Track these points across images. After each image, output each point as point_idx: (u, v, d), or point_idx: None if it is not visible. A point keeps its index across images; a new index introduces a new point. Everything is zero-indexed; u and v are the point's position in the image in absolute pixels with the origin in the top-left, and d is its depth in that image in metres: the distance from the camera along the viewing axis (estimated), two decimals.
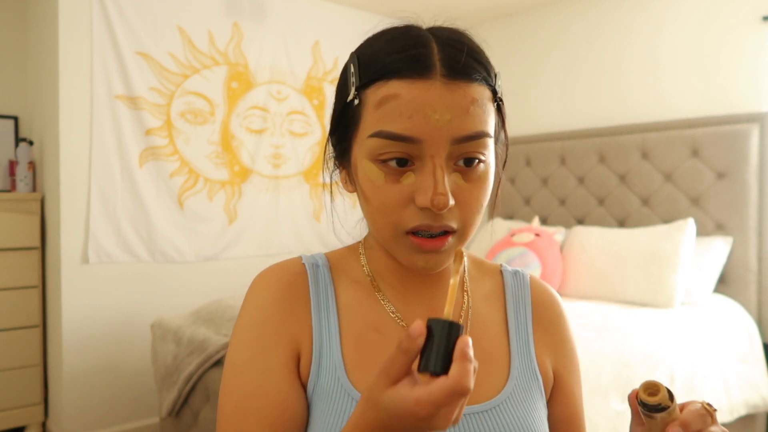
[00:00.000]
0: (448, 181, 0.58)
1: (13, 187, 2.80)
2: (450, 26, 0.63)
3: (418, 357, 0.47)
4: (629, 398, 0.58)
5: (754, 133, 2.51)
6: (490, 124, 0.61)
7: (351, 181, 0.67)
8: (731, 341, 2.35)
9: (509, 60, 3.50)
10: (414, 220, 0.59)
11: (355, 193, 0.68)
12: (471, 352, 0.46)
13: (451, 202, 0.58)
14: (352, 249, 0.75)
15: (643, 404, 0.55)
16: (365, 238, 0.75)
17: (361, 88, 0.61)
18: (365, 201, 0.63)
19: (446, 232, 0.60)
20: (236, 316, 2.17)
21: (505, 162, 0.70)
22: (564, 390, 0.74)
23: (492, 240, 3.05)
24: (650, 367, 2.00)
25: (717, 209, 2.59)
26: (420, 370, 0.47)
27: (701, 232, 2.61)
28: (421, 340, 0.46)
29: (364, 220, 0.68)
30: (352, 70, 0.62)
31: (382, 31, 0.63)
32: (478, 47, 0.62)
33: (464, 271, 0.75)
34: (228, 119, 3.02)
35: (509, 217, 3.45)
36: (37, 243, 2.66)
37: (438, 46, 0.59)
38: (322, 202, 3.39)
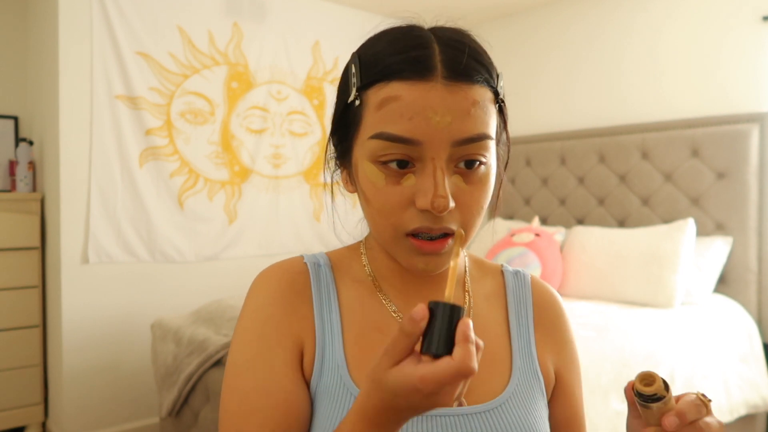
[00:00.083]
0: (448, 184, 0.58)
1: (13, 187, 2.80)
2: (452, 26, 0.63)
3: (420, 340, 0.48)
4: (625, 390, 0.59)
5: (754, 133, 2.51)
6: (492, 126, 0.61)
7: (352, 182, 0.67)
8: (731, 341, 2.35)
9: (509, 60, 3.50)
10: (414, 222, 0.59)
11: (355, 194, 0.67)
12: (473, 334, 0.47)
13: (452, 204, 0.57)
14: (353, 249, 0.75)
15: (639, 394, 0.56)
16: (366, 238, 0.75)
17: (362, 88, 0.61)
18: (365, 202, 0.63)
19: (446, 235, 0.60)
20: (236, 316, 2.18)
21: (506, 163, 0.70)
22: (565, 390, 0.74)
23: (492, 240, 3.05)
24: (650, 367, 2.00)
25: (717, 209, 2.59)
26: (423, 351, 0.48)
27: (701, 232, 2.62)
28: (423, 323, 0.47)
29: (365, 220, 0.68)
30: (354, 70, 0.62)
31: (383, 31, 0.63)
32: (480, 48, 0.62)
33: (465, 267, 0.75)
34: (228, 119, 3.02)
35: (509, 217, 3.45)
36: (37, 243, 2.66)
37: (439, 47, 0.59)
38: (322, 202, 3.39)
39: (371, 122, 0.60)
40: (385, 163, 0.59)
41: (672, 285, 2.36)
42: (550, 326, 0.75)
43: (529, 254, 2.68)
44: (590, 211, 3.04)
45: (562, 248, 2.79)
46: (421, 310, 0.47)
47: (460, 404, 0.65)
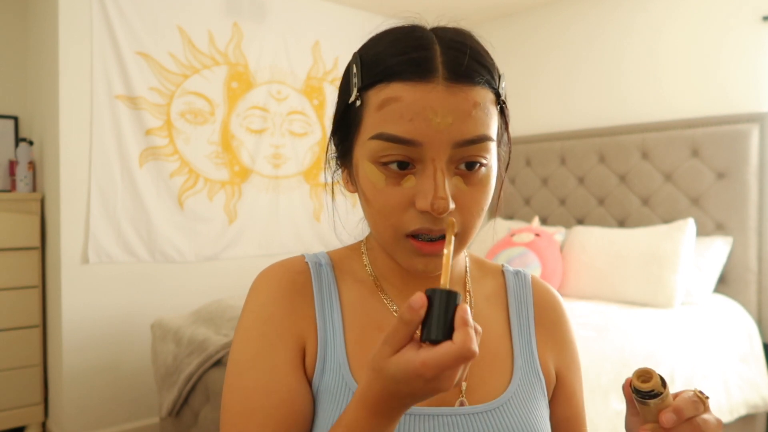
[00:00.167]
0: (448, 185, 0.58)
1: (13, 187, 2.80)
2: (454, 27, 0.63)
3: (419, 328, 0.49)
4: (623, 387, 0.59)
5: (754, 133, 2.51)
6: (493, 128, 0.61)
7: (352, 182, 0.67)
8: (731, 341, 2.35)
9: (509, 60, 3.50)
10: (414, 223, 0.59)
11: (356, 194, 0.67)
12: (471, 319, 0.47)
13: (452, 205, 0.57)
14: (354, 248, 0.75)
15: (637, 391, 0.56)
16: (367, 238, 0.75)
17: (363, 89, 0.61)
18: (366, 203, 0.63)
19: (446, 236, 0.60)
20: (236, 316, 2.18)
21: (507, 164, 0.70)
22: (566, 390, 0.74)
23: (493, 240, 3.05)
24: (650, 366, 2.00)
25: (717, 209, 2.59)
26: (422, 339, 0.48)
27: (701, 232, 2.62)
28: (422, 311, 0.47)
29: (365, 220, 0.68)
30: (355, 70, 0.62)
31: (385, 31, 0.63)
32: (482, 49, 0.62)
33: (466, 267, 0.75)
34: (228, 119, 3.02)
35: (509, 217, 3.45)
36: (37, 243, 2.66)
37: (441, 48, 0.58)
38: (322, 202, 3.39)
39: (372, 123, 0.59)
40: (385, 164, 0.59)
41: (672, 285, 2.36)
42: (550, 326, 0.75)
43: (529, 254, 2.68)
44: (590, 211, 3.04)
45: (562, 248, 2.79)
46: (419, 298, 0.47)
47: (462, 404, 0.65)
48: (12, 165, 2.80)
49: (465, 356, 0.45)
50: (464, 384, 0.66)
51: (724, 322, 2.38)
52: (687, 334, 2.21)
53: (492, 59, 0.62)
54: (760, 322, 2.53)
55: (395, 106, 0.57)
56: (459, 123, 0.57)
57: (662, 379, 0.55)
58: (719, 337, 2.31)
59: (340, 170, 0.70)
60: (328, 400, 0.63)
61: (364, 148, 0.61)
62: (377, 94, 0.59)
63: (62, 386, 2.58)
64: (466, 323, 0.47)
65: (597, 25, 3.12)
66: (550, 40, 3.34)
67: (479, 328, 0.48)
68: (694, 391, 0.56)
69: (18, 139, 2.88)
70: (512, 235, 2.87)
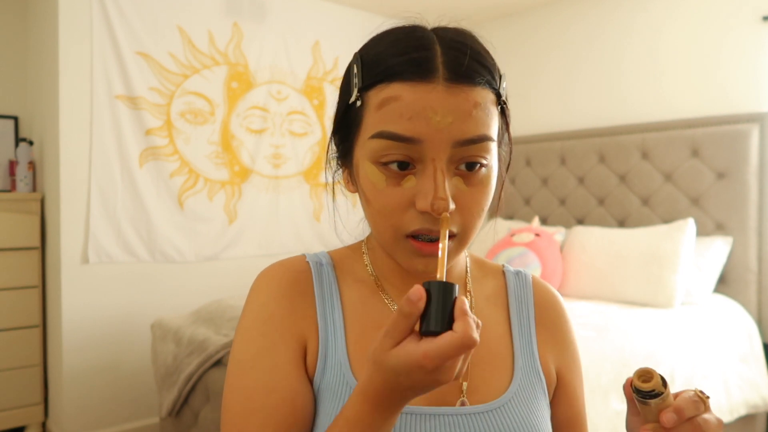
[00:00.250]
0: (448, 185, 0.58)
1: (13, 187, 2.80)
2: (455, 27, 0.63)
3: (418, 322, 0.49)
4: (624, 386, 0.59)
5: (754, 133, 2.51)
6: (493, 128, 0.61)
7: (353, 182, 0.67)
8: (731, 341, 2.35)
9: (509, 60, 3.50)
10: (414, 223, 0.59)
11: (356, 193, 0.68)
12: (470, 311, 0.48)
13: (452, 206, 0.57)
14: (355, 248, 0.75)
15: (637, 391, 0.56)
16: (368, 238, 0.75)
17: (364, 89, 0.61)
18: (366, 203, 0.63)
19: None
20: (236, 316, 2.18)
21: (508, 164, 0.70)
22: (567, 390, 0.74)
23: (493, 240, 3.05)
24: (650, 366, 2.00)
25: (717, 209, 2.59)
26: (422, 331, 0.49)
27: (701, 232, 2.62)
28: (421, 303, 0.48)
29: (366, 220, 0.68)
30: (355, 71, 0.62)
31: (386, 31, 0.63)
32: (483, 49, 0.62)
33: (467, 267, 0.75)
34: (228, 119, 3.02)
35: (509, 217, 3.45)
36: (37, 243, 2.66)
37: (441, 48, 0.58)
38: (322, 202, 3.39)
39: (372, 122, 0.60)
40: (385, 164, 0.59)
41: (672, 285, 2.36)
42: (551, 326, 0.75)
43: (529, 254, 2.68)
44: (590, 211, 3.05)
45: (562, 248, 2.79)
46: (417, 291, 0.47)
47: (463, 404, 0.65)
48: (12, 165, 2.80)
49: (467, 344, 0.46)
50: (465, 384, 0.66)
51: (724, 322, 2.38)
52: (687, 334, 2.21)
53: (493, 59, 0.62)
54: (760, 322, 2.53)
55: (395, 105, 0.57)
56: (459, 123, 0.57)
57: (663, 378, 0.55)
58: (719, 337, 2.31)
59: (340, 170, 0.70)
60: (329, 398, 0.63)
61: (364, 148, 0.61)
62: (377, 94, 0.59)
63: (62, 386, 2.58)
64: (465, 313, 0.47)
65: (597, 25, 3.12)
66: (550, 40, 3.34)
67: (479, 321, 0.49)
68: (694, 390, 0.56)
69: (18, 139, 2.88)
70: (512, 235, 2.87)
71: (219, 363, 1.99)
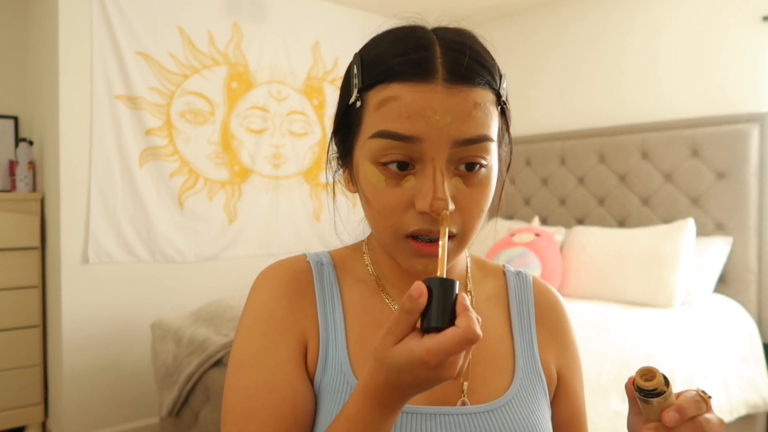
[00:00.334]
0: (448, 186, 0.58)
1: (13, 187, 2.80)
2: (455, 27, 0.63)
3: (420, 320, 0.49)
4: (626, 385, 0.59)
5: (754, 133, 2.51)
6: (493, 128, 0.61)
7: (353, 182, 0.67)
8: (731, 341, 2.35)
9: (509, 60, 3.50)
10: (414, 224, 0.59)
11: (356, 193, 0.68)
12: (470, 306, 0.48)
13: (451, 207, 0.57)
14: (355, 248, 0.75)
15: (639, 389, 0.56)
16: (368, 238, 0.75)
17: (364, 89, 0.61)
18: (366, 203, 0.63)
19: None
20: (236, 316, 2.18)
21: (509, 165, 0.70)
22: (567, 390, 0.74)
23: (494, 240, 3.05)
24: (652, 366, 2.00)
25: (717, 209, 2.59)
26: (424, 328, 0.49)
27: (701, 232, 2.62)
28: (423, 300, 0.48)
29: (366, 220, 0.68)
30: (355, 71, 0.62)
31: (386, 32, 0.63)
32: (483, 50, 0.62)
33: (467, 267, 0.75)
34: (228, 119, 3.02)
35: (509, 217, 3.45)
36: (37, 243, 2.66)
37: (441, 49, 0.58)
38: (322, 202, 3.39)
39: (371, 122, 0.60)
40: (385, 164, 0.59)
41: (672, 285, 2.36)
42: (552, 327, 0.75)
43: (529, 254, 2.68)
44: (590, 211, 3.05)
45: (562, 248, 2.79)
46: (418, 287, 0.48)
47: (464, 404, 0.65)
48: (12, 165, 2.80)
49: (470, 339, 0.46)
50: (466, 384, 0.66)
51: (724, 322, 2.38)
52: (687, 334, 2.21)
53: (493, 60, 0.62)
54: (760, 322, 2.53)
55: (394, 104, 0.57)
56: (458, 122, 0.57)
57: (665, 377, 0.55)
58: (719, 337, 2.31)
59: (341, 170, 0.70)
60: (330, 398, 0.63)
61: (364, 148, 0.61)
62: (377, 94, 0.59)
63: (62, 386, 2.58)
64: (467, 308, 0.48)
65: (597, 25, 3.12)
66: (550, 40, 3.34)
67: (479, 317, 0.49)
68: (696, 390, 0.56)
69: (18, 139, 2.88)
70: (512, 235, 2.87)
71: (219, 363, 1.99)
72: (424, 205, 0.57)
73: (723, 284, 2.59)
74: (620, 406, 1.85)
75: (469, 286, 0.74)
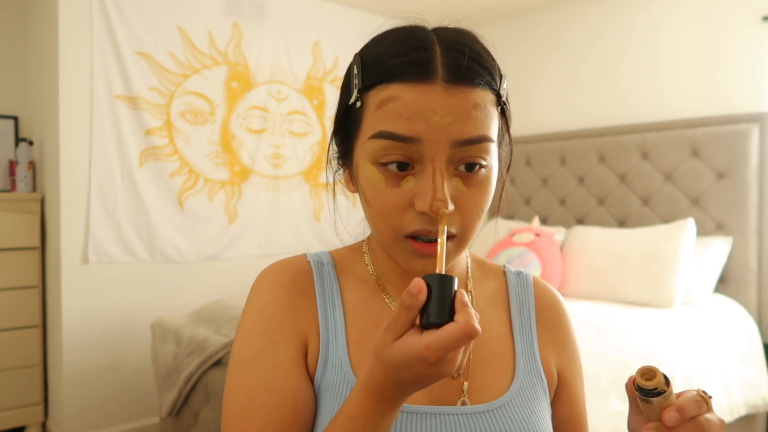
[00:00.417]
0: (447, 186, 0.58)
1: (13, 187, 2.80)
2: (456, 27, 0.63)
3: (419, 316, 0.49)
4: (626, 385, 0.59)
5: (754, 133, 2.51)
6: (493, 129, 0.61)
7: (353, 182, 0.67)
8: (731, 341, 2.35)
9: (509, 60, 3.50)
10: (413, 224, 0.59)
11: (356, 194, 0.68)
12: (469, 303, 0.49)
13: (451, 207, 0.57)
14: (355, 248, 0.76)
15: (640, 389, 0.56)
16: (368, 238, 0.75)
17: (364, 90, 0.61)
18: (366, 203, 0.63)
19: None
20: (236, 316, 2.18)
21: (509, 165, 0.70)
22: (568, 390, 0.74)
23: (494, 240, 3.05)
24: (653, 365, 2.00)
25: (717, 209, 2.59)
26: (423, 324, 0.49)
27: (701, 232, 2.62)
28: (422, 296, 0.48)
29: (366, 220, 0.68)
30: (356, 71, 0.62)
31: (386, 32, 0.63)
32: (483, 50, 0.62)
33: (468, 267, 0.75)
34: (228, 119, 3.02)
35: (509, 217, 3.45)
36: (37, 243, 2.66)
37: (441, 49, 0.58)
38: (322, 202, 3.39)
39: (371, 122, 0.60)
40: (385, 164, 0.59)
41: (672, 285, 2.36)
42: (552, 327, 0.75)
43: (529, 254, 2.68)
44: (590, 211, 3.05)
45: (562, 248, 2.79)
46: (417, 284, 0.48)
47: (464, 404, 0.65)
48: (12, 165, 2.80)
49: (469, 334, 0.46)
50: (466, 384, 0.66)
51: (724, 322, 2.38)
52: (687, 334, 2.21)
53: (493, 60, 0.62)
54: (760, 322, 2.53)
55: (394, 105, 0.57)
56: (458, 123, 0.57)
57: (666, 377, 0.55)
58: (719, 337, 2.31)
59: (341, 170, 0.70)
60: (330, 397, 0.63)
61: (364, 148, 0.61)
62: (377, 95, 0.59)
63: (62, 386, 2.58)
64: (466, 304, 0.48)
65: (597, 25, 3.12)
66: (550, 40, 3.34)
67: (477, 314, 0.49)
68: (697, 390, 0.56)
69: (18, 139, 2.88)
70: (512, 235, 2.87)
71: (219, 363, 1.99)
72: (424, 206, 0.57)
73: (723, 284, 2.59)
74: (620, 406, 1.85)
75: (470, 286, 0.74)
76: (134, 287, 2.75)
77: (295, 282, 0.68)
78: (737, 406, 2.29)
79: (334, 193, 0.74)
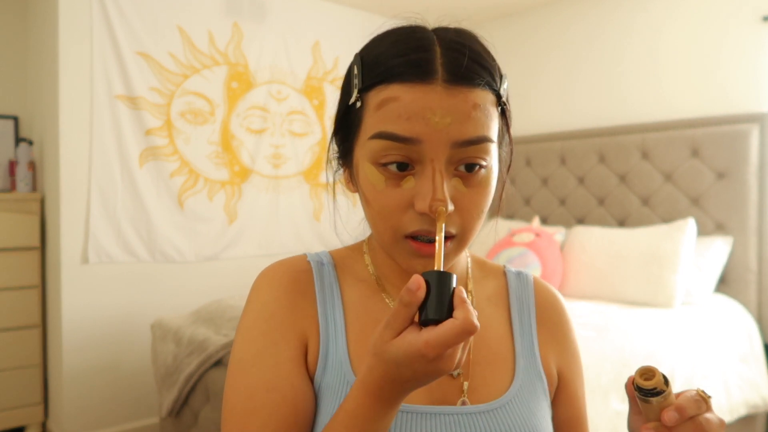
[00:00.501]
0: (447, 187, 0.58)
1: (13, 187, 2.80)
2: (456, 27, 0.63)
3: (418, 314, 0.50)
4: (626, 385, 0.59)
5: (754, 133, 2.51)
6: (493, 129, 0.61)
7: (353, 182, 0.67)
8: (731, 341, 2.35)
9: (509, 60, 3.50)
10: (413, 224, 0.59)
11: (357, 194, 0.68)
12: (468, 299, 0.49)
13: (450, 207, 0.57)
14: (355, 248, 0.76)
15: (639, 389, 0.56)
16: (369, 238, 0.75)
17: (364, 90, 0.61)
18: (366, 203, 0.63)
19: (445, 238, 0.60)
20: (236, 316, 2.18)
21: (509, 165, 0.70)
22: (568, 390, 0.74)
23: (494, 240, 3.05)
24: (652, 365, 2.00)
25: (717, 209, 2.59)
26: (422, 321, 0.49)
27: (701, 232, 2.62)
28: (421, 293, 0.48)
29: (366, 220, 0.68)
30: (356, 71, 0.62)
31: (386, 32, 0.63)
32: (483, 50, 0.61)
33: (468, 267, 0.75)
34: (228, 119, 3.02)
35: (509, 217, 3.45)
36: (37, 243, 2.66)
37: (441, 49, 0.58)
38: (322, 202, 3.39)
39: (371, 123, 0.60)
40: (385, 165, 0.59)
41: (672, 285, 2.36)
42: (552, 327, 0.75)
43: (529, 254, 2.68)
44: (590, 211, 3.05)
45: (562, 248, 2.79)
46: (416, 280, 0.48)
47: (464, 404, 0.65)
48: (12, 165, 2.80)
49: (468, 330, 0.46)
50: (466, 384, 0.66)
51: (724, 322, 2.38)
52: (687, 334, 2.21)
53: (494, 60, 0.62)
54: (760, 322, 2.53)
55: (394, 105, 0.57)
56: (458, 124, 0.57)
57: (665, 377, 0.55)
58: (719, 337, 2.31)
59: (341, 170, 0.70)
60: (330, 397, 0.63)
61: (364, 148, 0.61)
62: (377, 95, 0.59)
63: (62, 386, 2.58)
64: (464, 300, 0.48)
65: (597, 25, 3.12)
66: (550, 40, 3.34)
67: (476, 311, 0.49)
68: (696, 390, 0.56)
69: (18, 139, 2.88)
70: (512, 235, 2.87)
71: (219, 363, 1.99)
72: (423, 206, 0.57)
73: (723, 284, 2.59)
74: (620, 406, 1.85)
75: (470, 286, 0.74)
76: (134, 287, 2.75)
77: (295, 282, 0.68)
78: (737, 406, 2.29)
79: (334, 193, 0.74)
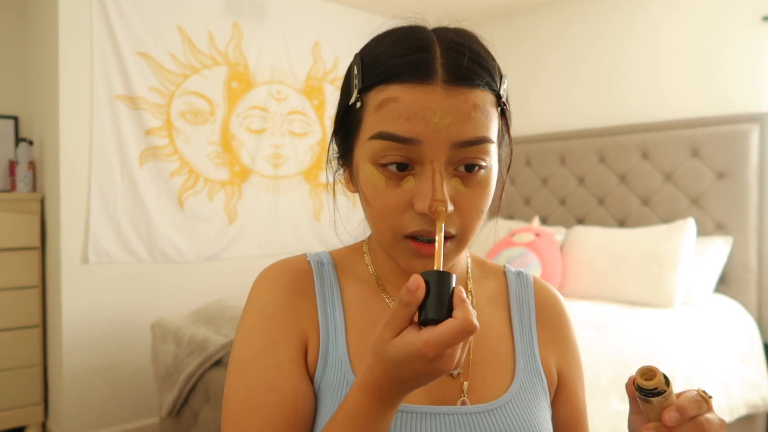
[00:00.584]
0: (447, 187, 0.58)
1: (13, 187, 2.80)
2: (456, 27, 0.63)
3: (417, 314, 0.50)
4: (626, 385, 0.59)
5: (754, 133, 2.51)
6: (492, 130, 0.61)
7: (353, 182, 0.67)
8: (731, 341, 2.35)
9: (509, 60, 3.50)
10: (413, 225, 0.59)
11: (357, 194, 0.68)
12: (467, 299, 0.49)
13: (450, 208, 0.57)
14: (356, 248, 0.76)
15: (640, 389, 0.56)
16: (369, 238, 0.75)
17: (364, 90, 0.61)
18: (366, 203, 0.63)
19: (445, 238, 0.60)
20: (236, 316, 2.18)
21: (509, 165, 0.70)
22: (568, 390, 0.74)
23: (494, 240, 3.05)
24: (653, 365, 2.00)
25: (717, 209, 2.59)
26: (421, 320, 0.49)
27: (701, 232, 2.62)
28: (420, 293, 0.48)
29: (366, 220, 0.68)
30: (356, 72, 0.62)
31: (386, 32, 0.63)
32: (483, 50, 0.61)
33: (468, 267, 0.75)
34: (228, 119, 3.02)
35: (509, 217, 3.45)
36: (37, 243, 2.66)
37: (441, 50, 0.58)
38: (322, 202, 3.39)
39: (371, 123, 0.60)
40: (385, 165, 0.59)
41: (672, 285, 2.36)
42: (552, 327, 0.75)
43: (529, 254, 2.68)
44: (590, 211, 3.05)
45: (562, 248, 2.79)
46: (416, 280, 0.48)
47: (464, 404, 0.65)
48: (12, 165, 2.80)
49: (467, 330, 0.46)
50: (466, 384, 0.66)
51: (724, 322, 2.38)
52: (687, 334, 2.21)
53: (494, 60, 0.62)
54: (760, 322, 2.53)
55: (394, 106, 0.57)
56: (457, 124, 0.57)
57: (666, 377, 0.55)
58: (719, 337, 2.31)
59: (341, 170, 0.70)
60: (330, 397, 0.63)
61: (364, 149, 0.61)
62: (377, 95, 0.59)
63: (62, 386, 2.58)
64: (464, 300, 0.48)
65: (597, 25, 3.12)
66: (550, 40, 3.34)
67: (475, 311, 0.49)
68: (697, 390, 0.56)
69: (18, 139, 2.88)
70: (512, 235, 2.87)
71: (219, 363, 1.99)
72: (423, 206, 0.57)
73: (723, 284, 2.59)
74: (620, 406, 1.85)
75: (470, 286, 0.74)
76: (134, 287, 2.75)
77: (295, 282, 0.69)
78: (737, 406, 2.29)
79: (334, 193, 0.74)
